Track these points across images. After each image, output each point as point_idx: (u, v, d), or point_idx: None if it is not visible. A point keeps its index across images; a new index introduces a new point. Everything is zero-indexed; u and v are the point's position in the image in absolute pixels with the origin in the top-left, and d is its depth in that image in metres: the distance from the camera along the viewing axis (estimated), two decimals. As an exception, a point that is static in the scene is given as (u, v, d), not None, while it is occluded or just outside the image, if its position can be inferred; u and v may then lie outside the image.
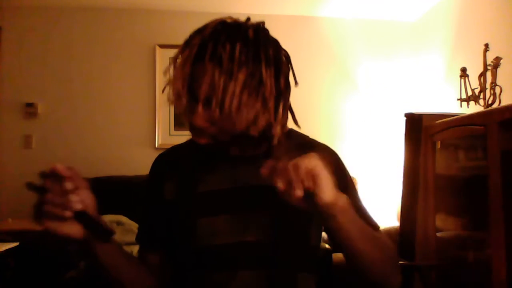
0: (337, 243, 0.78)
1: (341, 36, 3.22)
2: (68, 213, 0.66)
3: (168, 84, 0.78)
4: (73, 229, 0.69)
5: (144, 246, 0.91)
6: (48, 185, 0.66)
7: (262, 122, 0.77)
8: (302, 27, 3.21)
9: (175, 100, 0.76)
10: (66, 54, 3.04)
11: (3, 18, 2.97)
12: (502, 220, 1.38)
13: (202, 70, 0.73)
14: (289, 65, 0.82)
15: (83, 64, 3.05)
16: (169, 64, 0.79)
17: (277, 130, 0.79)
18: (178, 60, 0.76)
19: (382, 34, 3.25)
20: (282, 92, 0.78)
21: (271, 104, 0.76)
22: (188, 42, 0.76)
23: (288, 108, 0.83)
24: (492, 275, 1.40)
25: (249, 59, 0.73)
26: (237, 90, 0.72)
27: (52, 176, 0.67)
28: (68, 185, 0.66)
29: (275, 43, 0.80)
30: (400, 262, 1.87)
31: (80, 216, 0.68)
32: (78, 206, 0.67)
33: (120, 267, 0.80)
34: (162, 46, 3.08)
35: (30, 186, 0.67)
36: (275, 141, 0.80)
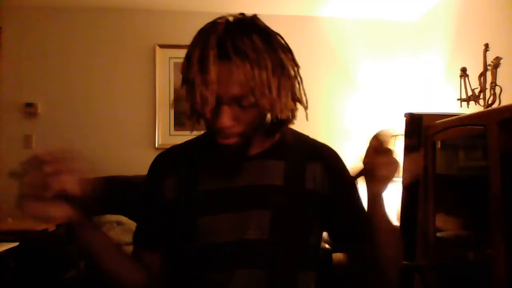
0: (339, 239, 0.88)
1: (341, 36, 3.22)
2: (47, 193, 0.66)
3: (186, 94, 0.76)
4: (56, 211, 0.69)
5: (140, 245, 0.91)
6: (28, 170, 0.67)
7: (290, 106, 0.78)
8: (302, 27, 3.21)
9: (202, 106, 0.72)
10: (66, 54, 3.04)
11: (3, 18, 2.97)
12: (502, 220, 1.38)
13: (229, 69, 0.72)
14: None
15: (83, 64, 3.06)
16: (175, 69, 0.78)
17: (294, 112, 0.81)
18: (193, 65, 0.73)
19: (382, 34, 3.25)
20: (297, 75, 0.81)
21: (292, 87, 0.79)
22: (203, 45, 0.73)
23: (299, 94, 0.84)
24: (492, 275, 1.40)
25: (268, 47, 0.74)
26: (271, 77, 0.73)
27: (35, 163, 0.67)
28: (47, 168, 0.66)
29: (277, 33, 0.81)
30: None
31: (61, 197, 0.68)
32: (56, 187, 0.67)
33: (114, 261, 0.81)
34: (162, 46, 3.08)
35: (11, 174, 0.68)
36: (290, 123, 0.83)
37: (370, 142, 0.82)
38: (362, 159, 0.82)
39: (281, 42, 0.79)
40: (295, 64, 0.81)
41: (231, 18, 0.78)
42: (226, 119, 0.75)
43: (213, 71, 0.71)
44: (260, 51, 0.72)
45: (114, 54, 3.09)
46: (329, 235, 0.92)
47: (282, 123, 0.82)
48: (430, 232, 1.90)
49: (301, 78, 0.82)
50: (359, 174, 0.82)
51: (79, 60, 3.05)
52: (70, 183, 0.69)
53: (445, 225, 1.91)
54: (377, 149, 0.80)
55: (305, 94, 0.83)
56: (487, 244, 1.46)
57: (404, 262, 1.86)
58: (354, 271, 0.91)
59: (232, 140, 0.78)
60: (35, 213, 0.68)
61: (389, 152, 0.80)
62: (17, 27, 3.01)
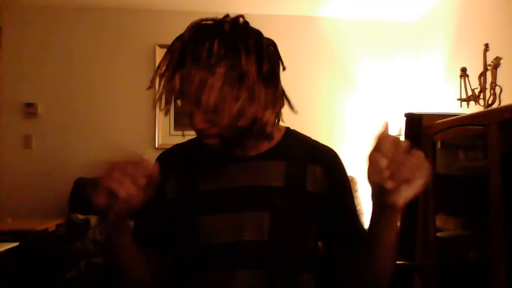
0: (331, 243, 0.84)
1: (341, 36, 3.22)
2: (141, 182, 0.67)
3: (159, 94, 0.79)
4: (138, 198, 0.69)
5: (139, 243, 0.90)
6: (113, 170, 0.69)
7: (250, 112, 0.76)
8: (302, 27, 3.21)
9: (165, 106, 0.78)
10: (66, 54, 3.04)
11: (3, 18, 2.97)
12: (502, 220, 1.38)
13: (188, 75, 0.74)
14: (277, 53, 0.82)
15: (83, 64, 3.05)
16: (154, 73, 0.79)
17: (268, 117, 0.78)
18: (162, 69, 0.77)
19: (382, 34, 3.25)
20: (268, 78, 0.77)
21: (257, 92, 0.76)
22: (169, 50, 0.77)
23: (281, 95, 0.82)
24: (492, 275, 1.40)
25: (228, 51, 0.73)
26: (217, 83, 0.73)
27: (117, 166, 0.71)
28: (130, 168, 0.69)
29: (256, 33, 0.79)
30: (400, 262, 1.87)
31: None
32: (143, 182, 0.68)
33: (128, 254, 0.81)
34: (162, 46, 3.08)
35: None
36: (269, 129, 0.79)
37: (381, 141, 0.62)
38: (377, 162, 0.61)
39: (253, 44, 0.76)
40: (281, 64, 0.80)
41: (209, 22, 0.78)
42: (197, 121, 0.77)
43: (171, 74, 0.75)
44: (213, 56, 0.72)
45: (114, 54, 3.08)
46: (321, 237, 0.91)
47: (261, 126, 0.79)
48: (430, 232, 1.90)
49: (275, 80, 0.80)
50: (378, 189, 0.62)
51: (79, 60, 3.05)
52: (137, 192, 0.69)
53: (445, 225, 1.91)
54: (398, 145, 0.60)
55: (285, 97, 0.82)
56: (487, 244, 1.46)
57: (404, 262, 1.86)
58: (338, 276, 0.89)
59: (211, 141, 0.80)
60: (129, 201, 0.68)
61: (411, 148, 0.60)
62: (17, 27, 3.00)
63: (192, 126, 0.79)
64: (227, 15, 0.80)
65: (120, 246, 0.79)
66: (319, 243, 0.92)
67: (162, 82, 0.77)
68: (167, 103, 0.78)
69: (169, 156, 0.93)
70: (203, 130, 0.78)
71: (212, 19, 0.78)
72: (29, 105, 2.95)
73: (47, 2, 2.99)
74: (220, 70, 0.73)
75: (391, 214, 0.66)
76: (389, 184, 0.58)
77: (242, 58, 0.74)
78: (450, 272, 1.84)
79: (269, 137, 0.83)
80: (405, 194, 0.60)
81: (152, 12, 3.10)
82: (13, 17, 2.99)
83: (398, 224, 0.69)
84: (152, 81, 0.78)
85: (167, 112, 0.79)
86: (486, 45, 1.89)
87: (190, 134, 0.89)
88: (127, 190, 0.67)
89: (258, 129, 0.79)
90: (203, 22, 0.78)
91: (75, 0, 3.00)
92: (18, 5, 2.98)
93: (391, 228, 0.69)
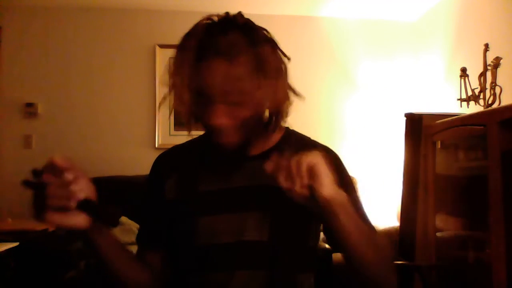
0: (335, 242, 0.80)
1: (341, 36, 3.22)
2: (73, 203, 0.65)
3: (171, 93, 0.77)
4: (78, 220, 0.68)
5: (144, 246, 0.91)
6: (48, 179, 0.65)
7: (277, 99, 0.77)
8: (302, 27, 3.21)
9: (179, 106, 0.75)
10: (66, 54, 3.04)
11: (3, 18, 2.97)
12: (502, 220, 1.38)
13: (210, 69, 0.73)
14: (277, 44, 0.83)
15: (83, 64, 3.05)
16: (166, 70, 0.78)
17: (286, 108, 0.80)
18: (175, 66, 0.75)
19: (382, 34, 3.25)
20: (284, 68, 0.79)
21: (279, 82, 0.77)
22: (183, 46, 0.75)
23: (290, 87, 0.83)
24: (492, 275, 1.40)
25: (247, 42, 0.74)
26: (243, 73, 0.73)
27: (50, 169, 0.66)
28: (69, 176, 0.65)
29: (260, 28, 0.81)
30: (400, 262, 1.87)
31: (84, 205, 0.67)
32: (81, 195, 0.66)
33: (120, 261, 0.80)
34: (162, 46, 3.08)
35: (27, 183, 0.65)
36: (284, 121, 0.81)
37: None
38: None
39: (264, 36, 0.78)
40: (284, 56, 0.81)
41: (215, 18, 0.78)
42: (219, 117, 0.75)
43: (190, 70, 0.73)
44: (237, 47, 0.73)
45: (114, 54, 3.08)
46: (326, 237, 0.92)
47: (277, 118, 0.81)
48: (430, 232, 1.90)
49: (286, 70, 0.80)
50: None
51: (79, 60, 3.05)
52: (88, 189, 0.68)
53: (445, 225, 1.91)
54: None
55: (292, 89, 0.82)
56: (487, 244, 1.46)
57: (404, 262, 1.86)
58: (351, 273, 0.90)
59: (230, 139, 0.78)
60: (59, 224, 0.67)
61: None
62: (17, 27, 3.00)
63: (211, 122, 0.76)
64: (228, 12, 0.80)
65: (105, 246, 0.77)
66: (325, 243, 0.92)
67: (179, 80, 0.74)
68: (185, 102, 0.75)
69: (168, 157, 0.93)
70: (223, 125, 0.76)
71: (217, 15, 0.79)
72: (29, 105, 2.95)
73: (47, 2, 2.99)
74: (244, 59, 0.73)
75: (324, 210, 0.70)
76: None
77: (261, 47, 0.75)
78: (450, 272, 1.84)
79: (276, 129, 0.84)
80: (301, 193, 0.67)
81: (152, 12, 3.10)
82: (13, 17, 2.99)
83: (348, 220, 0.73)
84: (168, 81, 0.76)
85: (188, 113, 0.77)
86: (486, 45, 1.89)
87: (193, 135, 0.89)
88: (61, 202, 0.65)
89: (275, 121, 0.81)
90: (211, 18, 0.78)
91: (75, 0, 3.00)
92: (18, 5, 2.98)
93: (337, 220, 0.70)
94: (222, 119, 0.75)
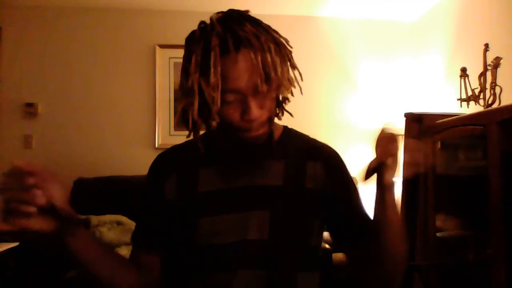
0: (343, 237, 0.88)
1: (341, 36, 3.22)
2: (32, 209, 0.66)
3: (191, 95, 0.74)
4: (42, 224, 0.69)
5: (139, 245, 0.90)
6: (11, 183, 0.65)
7: (288, 84, 0.78)
8: (302, 27, 3.21)
9: (214, 104, 0.72)
10: (66, 54, 3.04)
11: (3, 18, 2.97)
12: (502, 220, 1.38)
13: (237, 61, 0.72)
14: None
15: (83, 64, 3.05)
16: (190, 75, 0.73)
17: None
18: (199, 67, 0.72)
19: (382, 34, 3.25)
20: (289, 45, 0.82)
21: (291, 64, 0.79)
22: (205, 46, 0.73)
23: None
24: (492, 275, 1.40)
25: (263, 30, 0.76)
26: (275, 58, 0.74)
27: (15, 174, 0.66)
28: (30, 180, 0.65)
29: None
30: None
31: (48, 210, 0.67)
32: (42, 201, 0.66)
33: (97, 262, 0.79)
34: (162, 46, 3.08)
35: None
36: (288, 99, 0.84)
37: (381, 134, 0.83)
38: (376, 150, 0.83)
39: (267, 24, 0.80)
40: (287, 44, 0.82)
41: (220, 15, 0.78)
42: (254, 110, 0.74)
43: (217, 72, 0.71)
44: (259, 36, 0.73)
45: (114, 54, 3.08)
46: (331, 235, 0.92)
47: (284, 101, 0.84)
48: (430, 232, 1.90)
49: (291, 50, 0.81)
50: (372, 171, 0.82)
51: (79, 60, 3.05)
52: (55, 193, 0.68)
53: (445, 225, 1.91)
54: (391, 138, 0.80)
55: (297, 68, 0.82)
56: (487, 244, 1.46)
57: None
58: (355, 272, 0.90)
59: (261, 131, 0.78)
60: (23, 228, 0.68)
61: (400, 138, 0.81)
62: (17, 27, 3.00)
63: (237, 121, 0.75)
64: (230, 10, 0.80)
65: (83, 250, 0.77)
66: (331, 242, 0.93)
67: (203, 82, 0.72)
68: (216, 102, 0.72)
69: (167, 157, 0.92)
70: (257, 119, 0.75)
71: (216, 14, 0.78)
72: (29, 105, 2.95)
73: (47, 2, 2.99)
74: (267, 47, 0.73)
75: (388, 190, 0.82)
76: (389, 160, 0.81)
77: (275, 33, 0.77)
78: (450, 272, 1.84)
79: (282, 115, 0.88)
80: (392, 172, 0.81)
81: (152, 12, 3.10)
82: (13, 17, 2.99)
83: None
84: (191, 80, 0.73)
85: (216, 117, 0.74)
86: (486, 45, 1.89)
87: (186, 134, 0.88)
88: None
89: (282, 108, 0.85)
90: (221, 14, 0.78)
91: (75, 0, 3.00)
92: (18, 5, 2.98)
93: (392, 204, 0.82)
94: (256, 111, 0.75)
